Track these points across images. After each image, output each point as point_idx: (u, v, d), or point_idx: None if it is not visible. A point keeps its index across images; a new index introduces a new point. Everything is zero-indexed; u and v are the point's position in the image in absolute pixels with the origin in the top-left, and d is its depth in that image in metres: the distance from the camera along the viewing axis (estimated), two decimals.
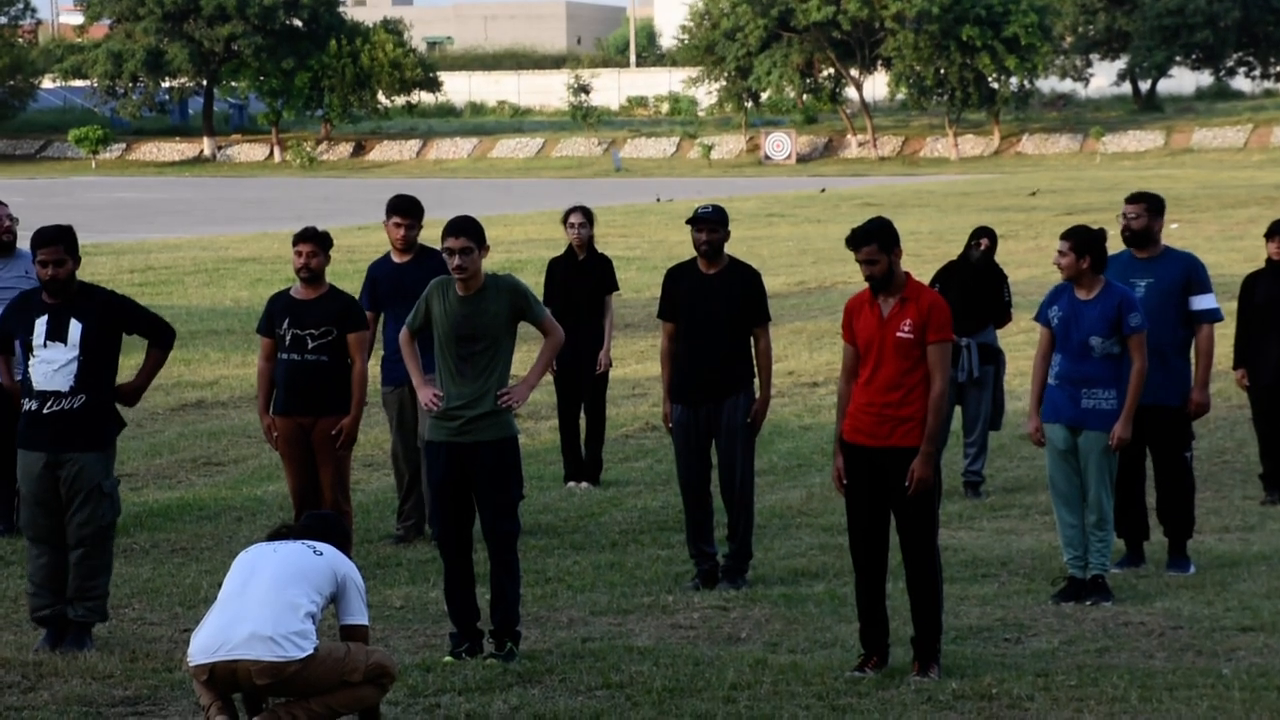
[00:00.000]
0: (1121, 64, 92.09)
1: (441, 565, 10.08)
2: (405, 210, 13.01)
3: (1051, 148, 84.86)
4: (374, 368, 12.76)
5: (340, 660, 8.08)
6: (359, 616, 8.35)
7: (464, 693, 9.03)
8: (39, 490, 10.08)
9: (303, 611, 8.07)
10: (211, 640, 8.03)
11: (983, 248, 15.11)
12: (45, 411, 10.05)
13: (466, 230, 9.81)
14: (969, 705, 8.79)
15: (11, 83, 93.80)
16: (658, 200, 55.26)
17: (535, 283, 14.95)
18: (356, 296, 12.19)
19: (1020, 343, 20.83)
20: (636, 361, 22.37)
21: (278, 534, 8.60)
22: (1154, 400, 11.62)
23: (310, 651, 8.00)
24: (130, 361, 10.57)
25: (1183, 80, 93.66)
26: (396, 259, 13.10)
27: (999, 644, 10.16)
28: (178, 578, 11.84)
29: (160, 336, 10.43)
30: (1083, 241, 11.15)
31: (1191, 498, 12.23)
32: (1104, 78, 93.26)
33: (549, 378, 15.49)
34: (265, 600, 8.06)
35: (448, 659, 9.73)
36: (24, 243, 11.93)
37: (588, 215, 15.48)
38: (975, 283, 14.96)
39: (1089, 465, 11.20)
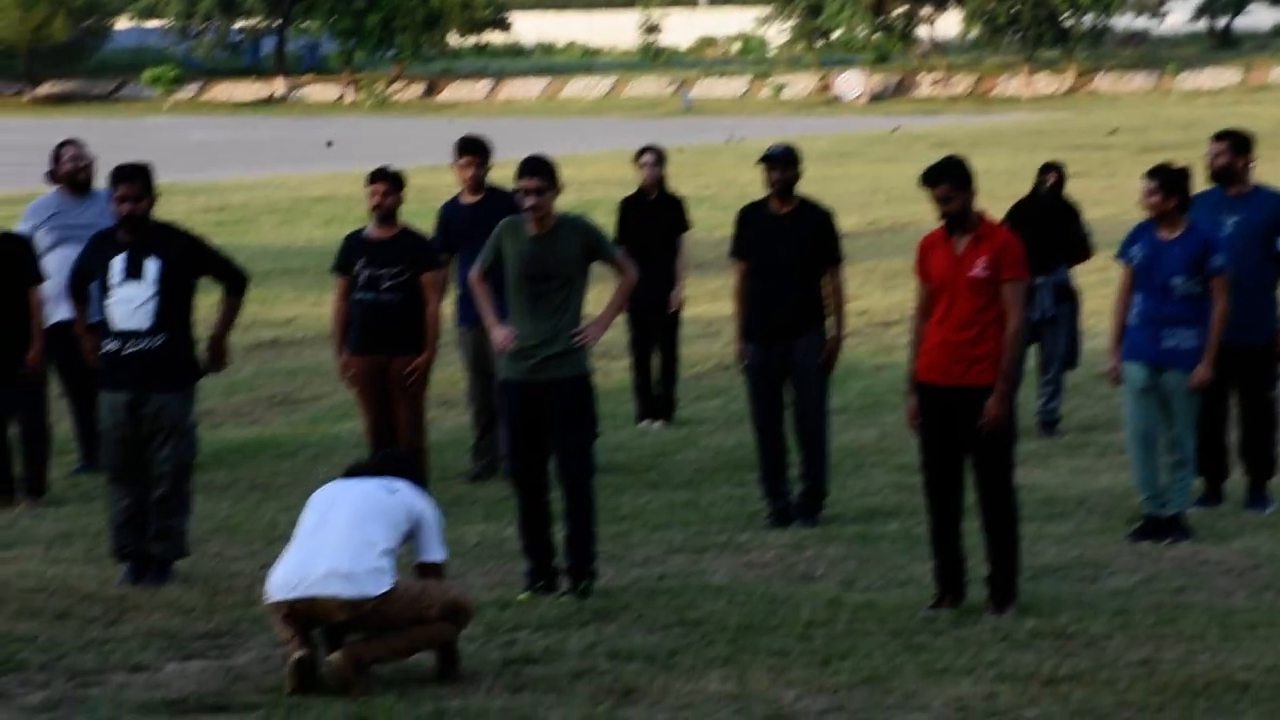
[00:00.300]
0: (1197, 0, 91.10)
1: (517, 503, 10.13)
2: (473, 150, 13.03)
3: (1126, 86, 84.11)
4: (448, 308, 12.80)
5: (416, 597, 8.14)
6: (435, 553, 8.40)
7: (540, 629, 9.09)
8: (121, 430, 10.17)
9: (379, 549, 8.12)
10: (289, 577, 8.10)
11: (1050, 182, 14.97)
12: (125, 352, 10.13)
13: (540, 170, 9.82)
14: (1045, 643, 8.78)
15: (86, 23, 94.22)
16: (728, 140, 55.10)
17: (607, 223, 14.96)
18: (429, 236, 12.23)
19: (1095, 281, 20.71)
20: (709, 301, 22.36)
21: (354, 471, 8.66)
22: (1239, 339, 11.54)
23: (387, 589, 8.06)
24: (208, 300, 10.64)
25: (1259, 17, 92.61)
26: (466, 199, 13.12)
27: (1076, 582, 10.14)
28: (256, 514, 11.94)
29: (234, 282, 10.45)
30: (1170, 180, 11.08)
31: (1273, 437, 12.15)
32: (1179, 15, 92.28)
33: (621, 317, 15.51)
34: (342, 537, 8.12)
35: (523, 596, 9.79)
36: (101, 185, 12.03)
37: (659, 154, 15.47)
38: (1045, 219, 14.74)
39: (1172, 405, 11.14)
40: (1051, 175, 14.99)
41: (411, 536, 8.36)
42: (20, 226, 13.15)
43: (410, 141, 59.67)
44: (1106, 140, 51.54)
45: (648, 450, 14.24)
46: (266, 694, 7.99)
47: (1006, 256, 9.36)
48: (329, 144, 45.43)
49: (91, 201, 13.20)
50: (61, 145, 13.30)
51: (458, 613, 8.26)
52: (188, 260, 10.23)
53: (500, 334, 9.92)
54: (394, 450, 9.21)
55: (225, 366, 10.52)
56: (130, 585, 10.00)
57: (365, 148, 54.58)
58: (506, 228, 9.96)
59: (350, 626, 8.15)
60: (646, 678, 8.21)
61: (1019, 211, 14.91)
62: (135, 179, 10.18)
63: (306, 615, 8.08)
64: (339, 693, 7.94)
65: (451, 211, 13.18)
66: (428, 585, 8.23)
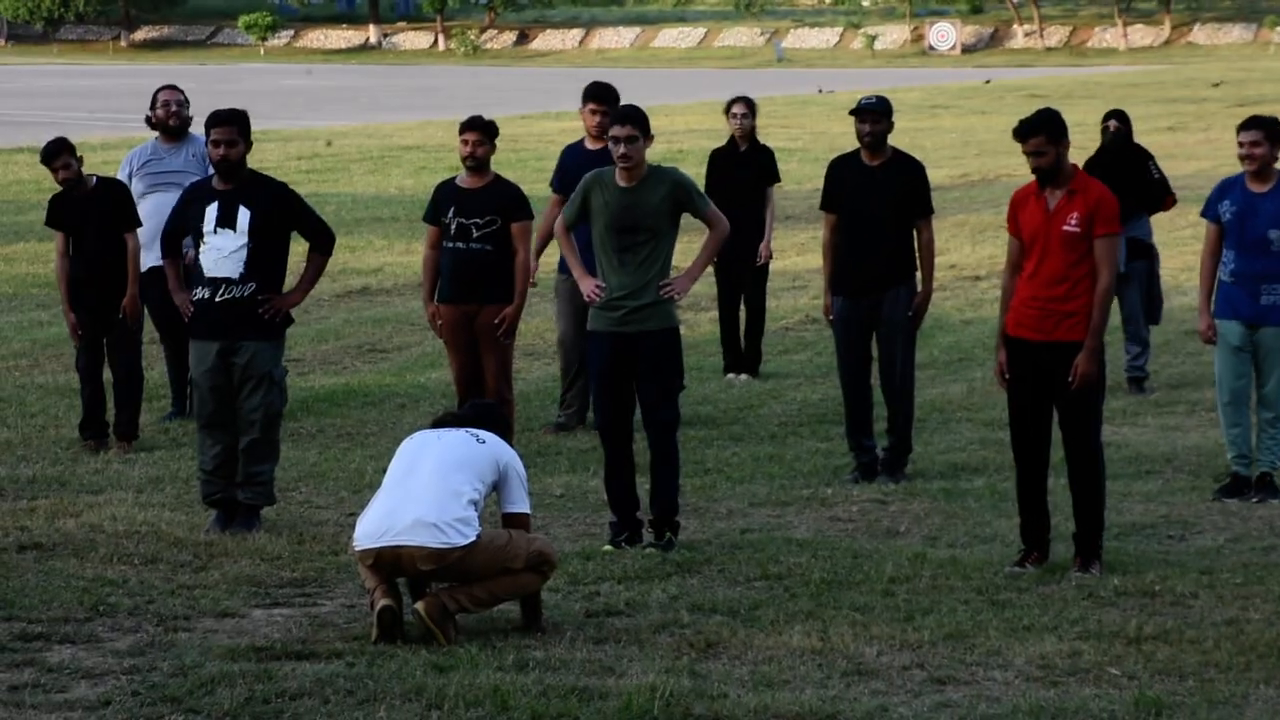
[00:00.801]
0: None
1: (602, 454, 10.15)
2: (602, 97, 12.88)
3: (1224, 38, 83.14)
4: (552, 256, 12.73)
5: (502, 548, 8.17)
6: (521, 504, 8.43)
7: (623, 581, 9.11)
8: (212, 378, 10.25)
9: (465, 499, 8.16)
10: (376, 526, 8.15)
11: (1112, 129, 14.68)
12: (218, 299, 10.19)
13: (633, 118, 9.80)
14: (1131, 601, 8.74)
15: None
16: (819, 91, 54.88)
17: (697, 173, 14.92)
18: (521, 186, 12.23)
19: (1188, 237, 20.52)
20: (797, 254, 22.30)
21: (441, 421, 8.69)
22: None
23: (473, 539, 8.10)
24: (300, 247, 10.70)
25: None
26: (590, 145, 13.00)
27: (1162, 541, 10.08)
28: (343, 462, 12.02)
29: (321, 240, 10.49)
30: (1274, 131, 10.93)
31: None
32: None
33: (709, 269, 15.49)
34: (429, 487, 8.16)
35: (607, 547, 9.81)
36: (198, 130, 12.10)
37: (750, 106, 15.40)
38: (1115, 167, 14.05)
39: (1269, 361, 11.02)
40: (1113, 123, 14.68)
41: (498, 487, 8.39)
42: (119, 174, 13.26)
43: (502, 90, 59.74)
44: (1203, 93, 50.98)
45: (734, 403, 14.24)
46: (351, 642, 8.05)
47: (1101, 211, 9.29)
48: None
49: (184, 146, 13.28)
50: (159, 90, 13.37)
51: (542, 564, 8.29)
52: (280, 211, 10.28)
53: (589, 284, 9.93)
54: (483, 401, 9.22)
55: (286, 319, 10.42)
56: (218, 532, 10.08)
57: (456, 96, 54.68)
58: (594, 179, 9.95)
59: (435, 576, 8.20)
60: (728, 631, 8.22)
61: (1092, 165, 14.64)
62: (232, 123, 10.23)
63: (392, 564, 8.13)
64: (424, 641, 7.99)
65: (573, 156, 13.08)
66: (513, 536, 8.27)
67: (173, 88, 13.37)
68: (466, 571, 8.14)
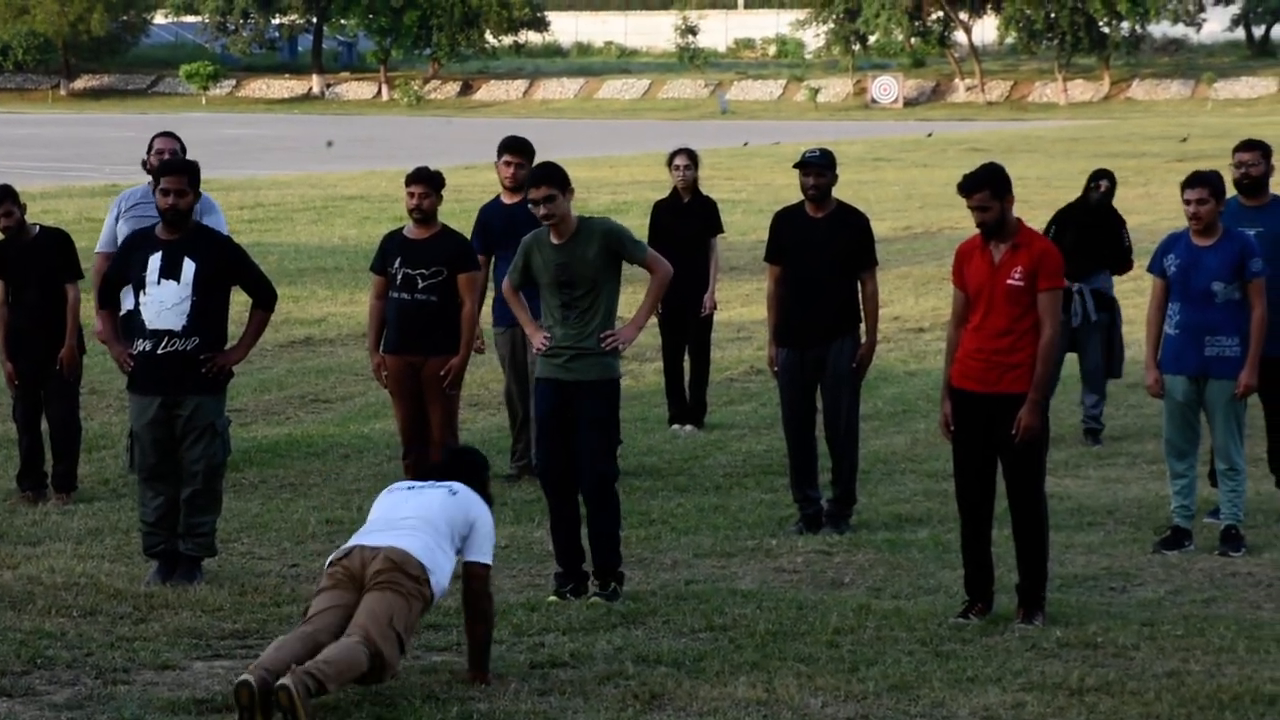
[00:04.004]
0: (1235, 9, 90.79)
1: (546, 505, 10.12)
2: (517, 149, 13.00)
3: (1162, 93, 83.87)
4: (486, 310, 12.79)
5: (404, 613, 7.97)
6: (482, 555, 8.30)
7: (568, 632, 9.08)
8: (154, 430, 10.16)
9: (442, 553, 8.14)
10: (355, 540, 8.11)
11: (1102, 190, 14.97)
12: (160, 352, 10.10)
13: (548, 178, 9.71)
14: (1073, 653, 8.75)
15: (125, 17, 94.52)
16: (744, 145, 55.05)
17: (640, 224, 14.96)
18: (470, 236, 12.22)
19: (1129, 290, 20.66)
20: (741, 304, 22.35)
21: (423, 474, 8.63)
22: (1265, 351, 11.47)
23: (432, 584, 8.01)
24: (240, 298, 10.65)
25: None
26: (507, 200, 13.10)
27: (1104, 593, 10.11)
28: (286, 513, 11.95)
29: (264, 295, 10.40)
30: (1218, 187, 11.04)
31: None
32: (1217, 23, 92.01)
33: (653, 320, 15.51)
34: (411, 532, 8.13)
35: (552, 598, 9.78)
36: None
37: (693, 157, 15.45)
38: (1093, 226, 14.81)
39: (1215, 414, 11.09)
40: (1104, 183, 15.01)
41: (464, 539, 8.32)
42: (108, 214, 13.17)
43: (445, 140, 59.74)
44: (1141, 148, 51.36)
45: (678, 454, 14.23)
46: None
47: (1044, 266, 9.33)
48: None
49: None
50: (155, 137, 13.22)
51: (383, 667, 7.82)
52: (224, 265, 10.21)
53: (538, 337, 9.92)
54: (461, 450, 9.06)
55: (228, 373, 10.33)
56: (159, 583, 10.00)
57: (401, 146, 54.66)
58: (532, 241, 9.92)
59: (371, 579, 7.98)
60: (673, 683, 8.20)
61: (1067, 216, 14.90)
62: (183, 173, 10.19)
63: (356, 576, 7.98)
64: (367, 695, 7.93)
65: (491, 211, 13.17)
66: (406, 619, 7.97)
67: (169, 135, 13.20)
68: (378, 593, 7.96)
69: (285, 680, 7.41)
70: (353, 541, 8.20)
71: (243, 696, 7.45)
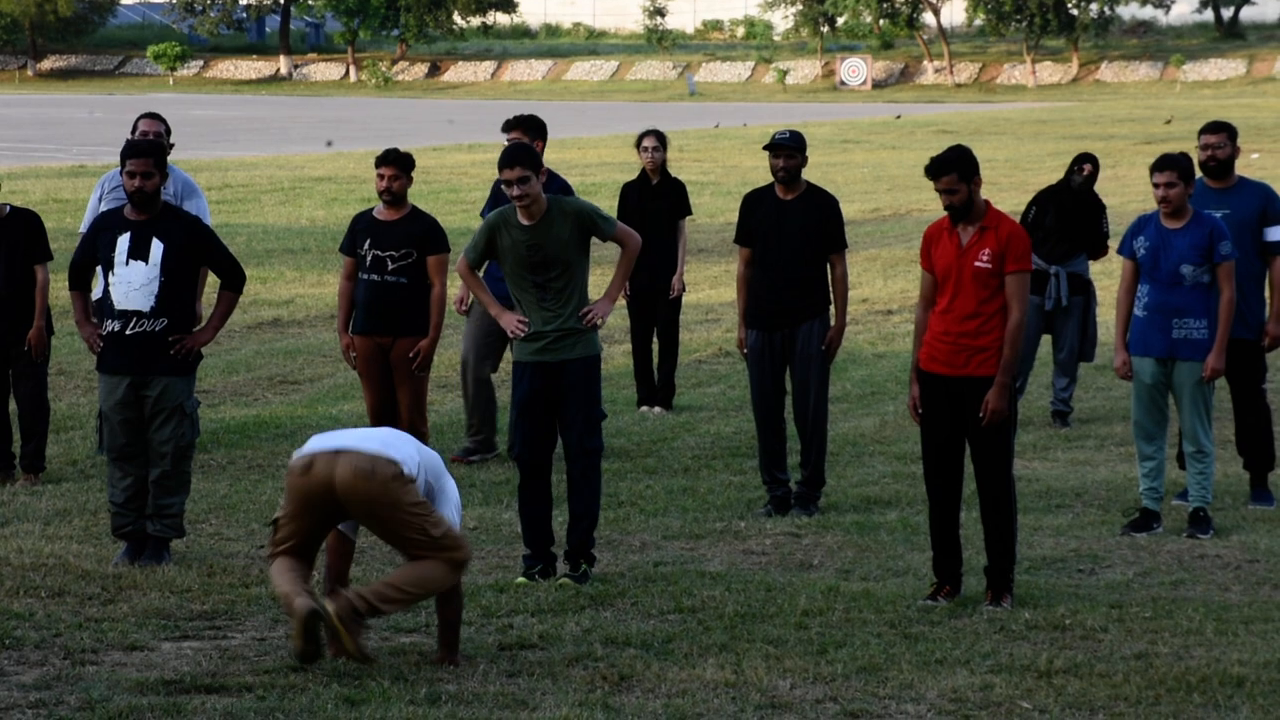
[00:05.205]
0: None
1: (516, 486, 10.12)
2: (525, 126, 12.82)
3: (1131, 75, 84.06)
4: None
5: (427, 506, 8.01)
6: (448, 514, 8.30)
7: (536, 614, 9.09)
8: (123, 410, 10.14)
9: (405, 448, 8.10)
10: (312, 445, 8.08)
11: (1085, 173, 15.00)
12: (128, 333, 10.09)
13: (521, 159, 9.70)
14: (1042, 635, 8.78)
15: None
16: (716, 126, 55.13)
17: (609, 206, 14.94)
18: (438, 218, 12.19)
19: (1098, 273, 20.71)
20: (710, 286, 22.35)
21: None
22: (1232, 334, 11.50)
23: (411, 471, 8.00)
24: (212, 279, 10.62)
25: (1266, 8, 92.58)
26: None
27: (1073, 575, 10.14)
28: (254, 494, 11.93)
29: (233, 277, 10.35)
30: (1187, 170, 11.06)
31: (1270, 430, 12.15)
32: (1185, 5, 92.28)
33: (622, 302, 15.50)
34: (367, 435, 8.13)
35: (521, 580, 9.78)
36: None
37: (661, 139, 15.44)
38: (1074, 209, 14.85)
39: (1183, 397, 11.12)
40: (1087, 166, 15.04)
41: (432, 490, 8.28)
42: (92, 196, 13.11)
43: (413, 121, 59.64)
44: (1109, 130, 51.48)
45: (647, 436, 14.24)
46: (262, 675, 7.98)
47: (1012, 248, 9.34)
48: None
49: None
50: (140, 118, 13.13)
51: (455, 549, 8.06)
52: (192, 245, 10.18)
53: (510, 321, 9.87)
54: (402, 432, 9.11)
55: (197, 355, 10.32)
56: (127, 564, 9.98)
57: (368, 127, 54.54)
58: (498, 218, 9.88)
59: (356, 509, 7.98)
60: (642, 664, 8.21)
61: (1047, 197, 14.94)
62: (150, 155, 10.14)
63: (322, 490, 7.93)
64: (335, 675, 7.93)
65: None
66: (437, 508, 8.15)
67: (154, 117, 13.12)
68: (385, 519, 7.95)
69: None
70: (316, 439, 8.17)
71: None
